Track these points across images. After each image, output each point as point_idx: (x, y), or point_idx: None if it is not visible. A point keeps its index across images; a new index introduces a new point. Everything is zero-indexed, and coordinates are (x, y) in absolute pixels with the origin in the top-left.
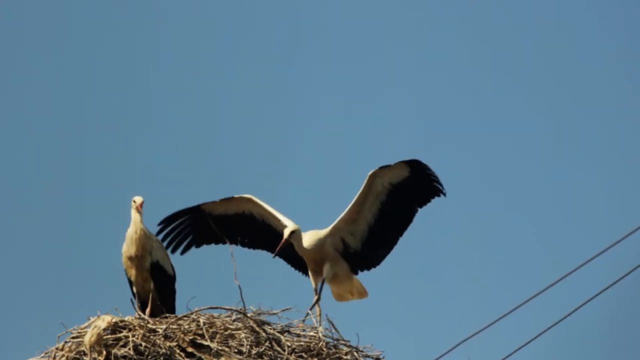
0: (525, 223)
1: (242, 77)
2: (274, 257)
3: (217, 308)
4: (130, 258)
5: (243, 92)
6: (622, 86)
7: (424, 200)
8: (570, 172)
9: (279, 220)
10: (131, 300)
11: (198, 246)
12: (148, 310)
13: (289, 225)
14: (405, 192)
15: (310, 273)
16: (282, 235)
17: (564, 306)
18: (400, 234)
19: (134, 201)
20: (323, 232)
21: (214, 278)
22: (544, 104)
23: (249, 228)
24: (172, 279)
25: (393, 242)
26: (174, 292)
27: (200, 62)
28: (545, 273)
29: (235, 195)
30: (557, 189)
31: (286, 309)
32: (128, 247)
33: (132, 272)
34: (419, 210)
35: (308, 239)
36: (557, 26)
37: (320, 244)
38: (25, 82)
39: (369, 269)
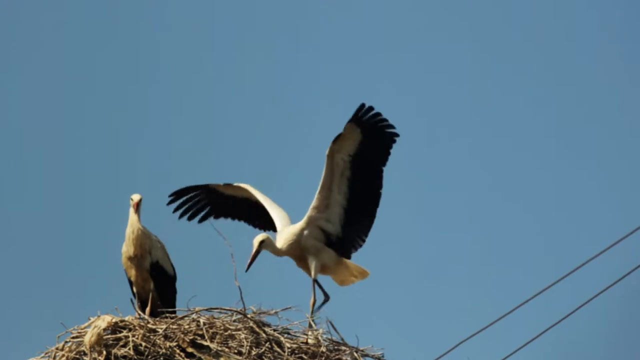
0: (526, 223)
1: (241, 76)
2: (246, 271)
3: (217, 309)
4: (129, 258)
5: (242, 91)
6: (623, 86)
7: (384, 155)
8: (571, 172)
9: (267, 210)
10: (131, 300)
11: (217, 217)
12: (148, 310)
13: (258, 235)
14: (365, 155)
15: (302, 269)
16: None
17: (564, 306)
18: (377, 204)
19: (131, 199)
20: (297, 227)
21: (214, 278)
22: (546, 103)
23: (255, 212)
24: (172, 278)
25: (372, 214)
26: (174, 292)
27: (201, 62)
28: (545, 273)
29: (234, 184)
30: (558, 189)
31: (286, 309)
32: (127, 247)
33: (132, 272)
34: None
35: (282, 237)
36: (557, 26)
37: (297, 239)
38: (25, 82)
39: (356, 249)
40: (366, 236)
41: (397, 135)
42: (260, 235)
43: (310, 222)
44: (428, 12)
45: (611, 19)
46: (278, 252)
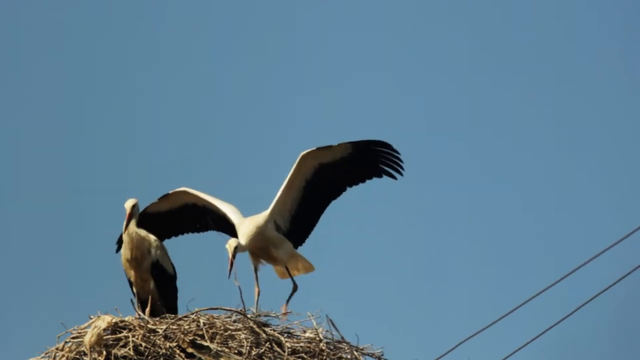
0: (526, 223)
1: (233, 71)
2: (229, 277)
3: (217, 309)
4: (128, 260)
5: (235, 86)
6: (623, 86)
7: (356, 180)
8: (571, 172)
9: (216, 207)
10: (131, 300)
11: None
12: (148, 310)
13: (229, 242)
14: (336, 171)
15: (257, 264)
16: (224, 217)
17: (564, 306)
18: (321, 212)
19: (125, 208)
20: (262, 218)
21: (214, 279)
22: (546, 103)
23: (197, 216)
24: (172, 277)
25: (315, 220)
26: (175, 290)
27: (192, 59)
28: (545, 273)
29: (170, 192)
30: (558, 189)
31: (286, 313)
32: (125, 250)
33: (132, 273)
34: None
35: (243, 233)
36: (557, 26)
37: (260, 231)
38: (22, 80)
39: (297, 246)
40: (307, 236)
41: (394, 177)
42: (232, 241)
43: (272, 215)
44: (428, 12)
45: (611, 19)
46: (243, 250)
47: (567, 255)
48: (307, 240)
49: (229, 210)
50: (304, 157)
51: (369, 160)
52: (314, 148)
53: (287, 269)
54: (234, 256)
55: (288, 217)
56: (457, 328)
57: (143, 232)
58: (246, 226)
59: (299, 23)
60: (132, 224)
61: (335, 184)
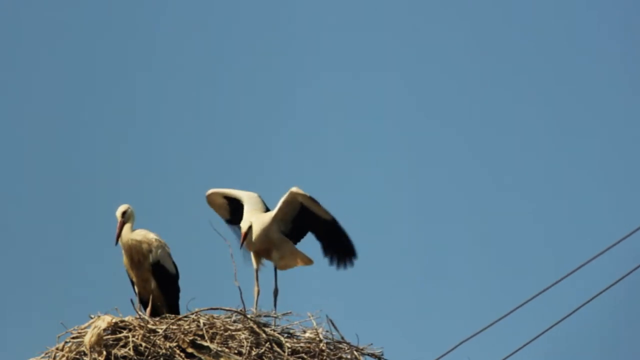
0: (526, 223)
1: (233, 71)
2: (241, 248)
3: (217, 309)
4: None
5: (235, 86)
6: (623, 86)
7: (318, 238)
8: (571, 172)
9: (239, 197)
10: (131, 300)
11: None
12: (148, 310)
13: (244, 221)
14: (317, 222)
15: (257, 262)
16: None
17: (564, 306)
18: (299, 238)
19: (116, 216)
20: (267, 220)
21: (214, 279)
22: (546, 103)
23: (231, 208)
24: (174, 277)
25: (299, 238)
26: (177, 290)
27: (191, 58)
28: (545, 273)
29: (207, 195)
30: (558, 189)
31: (286, 313)
32: (124, 256)
33: (133, 273)
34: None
35: (254, 228)
36: (557, 26)
37: (265, 233)
38: (21, 80)
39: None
40: (303, 236)
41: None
42: (247, 221)
43: (275, 220)
44: (428, 12)
45: (611, 19)
46: (250, 247)
47: (567, 255)
48: (308, 241)
49: (246, 201)
50: (292, 193)
51: (333, 245)
52: (307, 194)
53: (275, 270)
54: (246, 233)
55: (289, 220)
56: (457, 328)
57: (140, 235)
58: (255, 224)
59: (298, 23)
60: (127, 229)
61: (313, 224)
